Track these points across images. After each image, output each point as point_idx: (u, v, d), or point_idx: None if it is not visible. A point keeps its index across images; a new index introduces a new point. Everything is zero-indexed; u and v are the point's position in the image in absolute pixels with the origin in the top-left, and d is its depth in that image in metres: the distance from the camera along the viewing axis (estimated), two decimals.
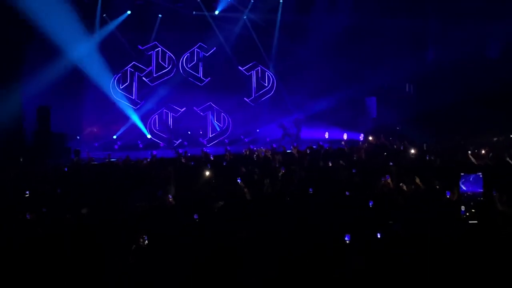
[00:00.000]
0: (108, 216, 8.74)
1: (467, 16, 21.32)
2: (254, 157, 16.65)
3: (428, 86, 23.72)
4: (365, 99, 25.17)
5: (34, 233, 7.75)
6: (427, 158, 15.05)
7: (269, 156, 16.27)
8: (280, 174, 12.96)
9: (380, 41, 23.93)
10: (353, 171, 13.20)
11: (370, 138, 19.09)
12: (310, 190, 10.92)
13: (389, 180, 11.28)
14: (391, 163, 13.75)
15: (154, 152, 17.29)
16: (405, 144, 18.44)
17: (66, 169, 15.38)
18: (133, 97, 24.12)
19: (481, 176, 9.23)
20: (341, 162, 14.56)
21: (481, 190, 9.10)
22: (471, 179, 9.20)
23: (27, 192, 11.28)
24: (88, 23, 22.17)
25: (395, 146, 17.99)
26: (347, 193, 10.55)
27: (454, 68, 22.72)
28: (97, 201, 9.61)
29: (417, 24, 23.71)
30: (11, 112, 18.18)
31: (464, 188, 9.17)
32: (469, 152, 14.86)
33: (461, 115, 21.88)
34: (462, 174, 9.30)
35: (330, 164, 14.44)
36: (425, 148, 17.03)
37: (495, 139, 19.37)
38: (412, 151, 16.31)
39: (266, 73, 25.99)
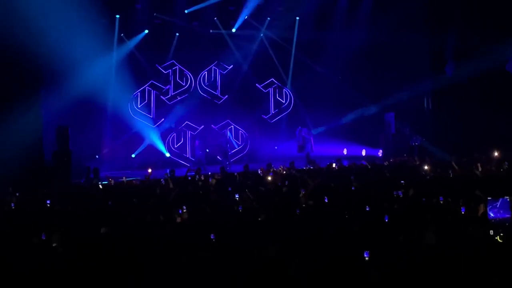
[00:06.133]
0: (126, 235, 8.60)
1: (486, 30, 21.11)
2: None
3: (447, 100, 23.46)
4: (384, 115, 24.95)
5: (54, 256, 7.61)
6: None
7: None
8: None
9: (398, 57, 23.82)
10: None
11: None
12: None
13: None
14: (402, 181, 13.23)
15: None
16: (420, 159, 18.09)
17: (83, 188, 15.45)
18: (151, 116, 24.18)
19: (508, 200, 8.69)
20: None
21: (509, 216, 8.60)
22: (498, 204, 8.65)
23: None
24: (106, 42, 22.25)
25: (417, 162, 17.53)
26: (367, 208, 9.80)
27: (474, 82, 22.49)
28: (116, 220, 9.48)
29: (435, 39, 23.57)
30: (31, 132, 18.23)
31: (491, 214, 8.62)
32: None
33: (481, 129, 21.63)
34: (489, 199, 8.78)
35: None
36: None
37: None
38: (426, 167, 15.96)
39: (284, 90, 25.99)
